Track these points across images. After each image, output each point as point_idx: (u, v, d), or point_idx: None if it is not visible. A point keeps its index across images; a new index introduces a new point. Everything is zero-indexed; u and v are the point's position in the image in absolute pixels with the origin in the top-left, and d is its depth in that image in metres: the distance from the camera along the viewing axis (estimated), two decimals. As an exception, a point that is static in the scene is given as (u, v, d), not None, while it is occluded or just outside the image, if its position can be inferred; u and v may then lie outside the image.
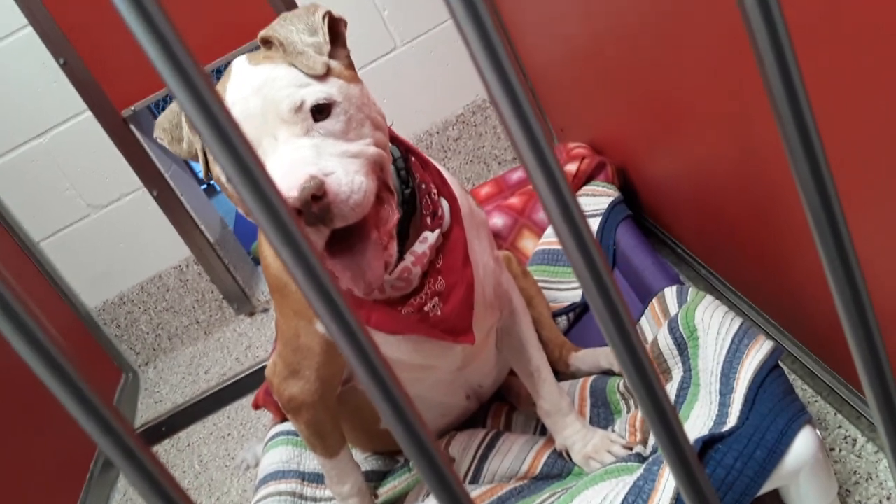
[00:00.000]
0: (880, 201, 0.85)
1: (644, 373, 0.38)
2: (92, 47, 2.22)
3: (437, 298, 0.98)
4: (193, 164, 2.17)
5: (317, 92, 0.83)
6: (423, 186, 0.98)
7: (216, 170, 0.88)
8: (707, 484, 0.41)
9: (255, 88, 0.83)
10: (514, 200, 1.91)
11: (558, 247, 1.73)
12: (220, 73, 2.49)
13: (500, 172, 2.32)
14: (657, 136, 1.53)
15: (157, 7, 0.29)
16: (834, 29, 0.77)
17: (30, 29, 2.20)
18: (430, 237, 0.96)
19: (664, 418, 0.38)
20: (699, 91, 1.20)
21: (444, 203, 1.00)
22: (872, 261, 0.90)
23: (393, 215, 0.87)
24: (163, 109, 0.97)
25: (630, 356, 0.38)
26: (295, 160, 0.80)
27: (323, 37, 0.87)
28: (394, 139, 0.97)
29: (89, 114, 2.30)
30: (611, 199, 1.73)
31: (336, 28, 0.90)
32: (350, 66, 0.91)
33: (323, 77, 0.85)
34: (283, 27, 0.87)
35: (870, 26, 0.72)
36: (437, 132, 2.52)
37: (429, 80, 2.44)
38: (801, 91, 0.38)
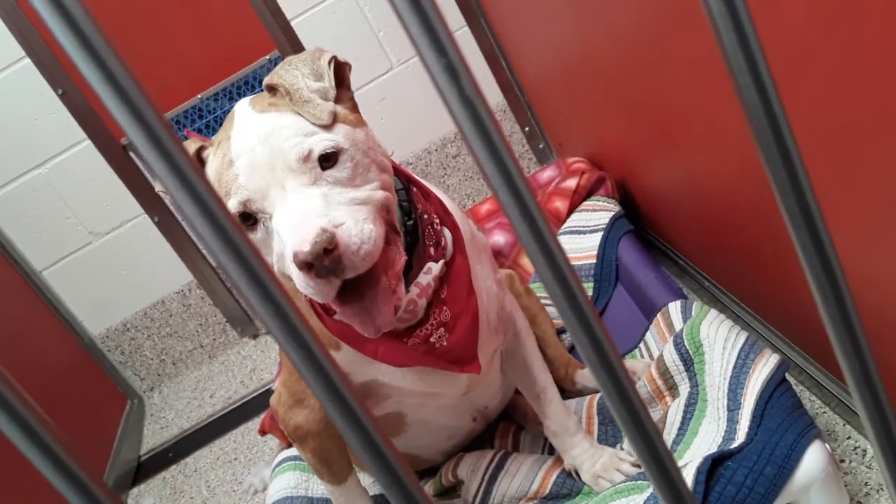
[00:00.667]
0: (865, 208, 0.85)
1: (626, 397, 0.38)
2: (90, 76, 2.23)
3: (442, 329, 0.97)
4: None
5: (324, 140, 0.83)
6: (426, 217, 0.98)
7: None
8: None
9: (262, 138, 0.83)
10: (515, 217, 1.91)
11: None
12: (216, 97, 2.51)
13: (500, 188, 2.32)
14: (656, 148, 1.53)
15: (117, 62, 0.29)
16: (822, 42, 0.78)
17: (27, 60, 2.21)
18: (434, 268, 0.96)
19: (666, 475, 0.37)
20: (697, 103, 1.20)
21: (447, 232, 1.00)
22: (857, 269, 0.90)
23: (400, 257, 0.87)
24: None
25: (618, 392, 0.38)
26: (304, 211, 0.79)
27: (329, 82, 0.86)
28: (395, 170, 0.96)
29: (88, 142, 2.31)
30: (612, 213, 1.73)
31: (341, 72, 0.90)
32: (354, 108, 0.90)
33: (329, 124, 0.85)
34: (288, 73, 0.87)
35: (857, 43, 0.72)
36: (436, 150, 2.52)
37: (426, 99, 2.45)
38: (776, 105, 0.38)
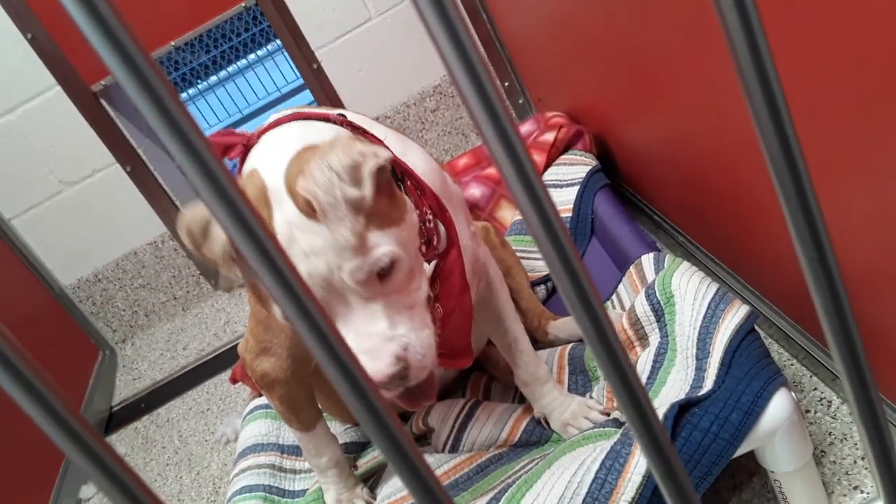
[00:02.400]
0: (849, 160, 0.85)
1: (609, 345, 0.38)
2: (59, 21, 2.17)
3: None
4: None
5: (381, 257, 0.81)
6: (419, 213, 0.94)
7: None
8: (679, 466, 0.40)
9: (315, 250, 0.80)
10: (492, 171, 1.90)
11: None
12: (193, 49, 2.43)
13: (479, 143, 2.30)
14: (635, 104, 1.52)
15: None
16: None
17: (-5, 3, 2.15)
18: (426, 268, 0.94)
19: (640, 410, 0.37)
20: (676, 59, 1.19)
21: (441, 228, 0.98)
22: (841, 225, 0.90)
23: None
24: None
25: (598, 336, 0.37)
26: (373, 335, 0.83)
27: (368, 190, 0.80)
28: (394, 163, 0.90)
29: (59, 89, 2.26)
30: (589, 167, 1.72)
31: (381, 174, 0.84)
32: (393, 200, 0.85)
33: (382, 228, 0.83)
34: (322, 175, 0.79)
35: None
36: (415, 104, 2.49)
37: (405, 52, 2.41)
38: (767, 59, 0.37)
